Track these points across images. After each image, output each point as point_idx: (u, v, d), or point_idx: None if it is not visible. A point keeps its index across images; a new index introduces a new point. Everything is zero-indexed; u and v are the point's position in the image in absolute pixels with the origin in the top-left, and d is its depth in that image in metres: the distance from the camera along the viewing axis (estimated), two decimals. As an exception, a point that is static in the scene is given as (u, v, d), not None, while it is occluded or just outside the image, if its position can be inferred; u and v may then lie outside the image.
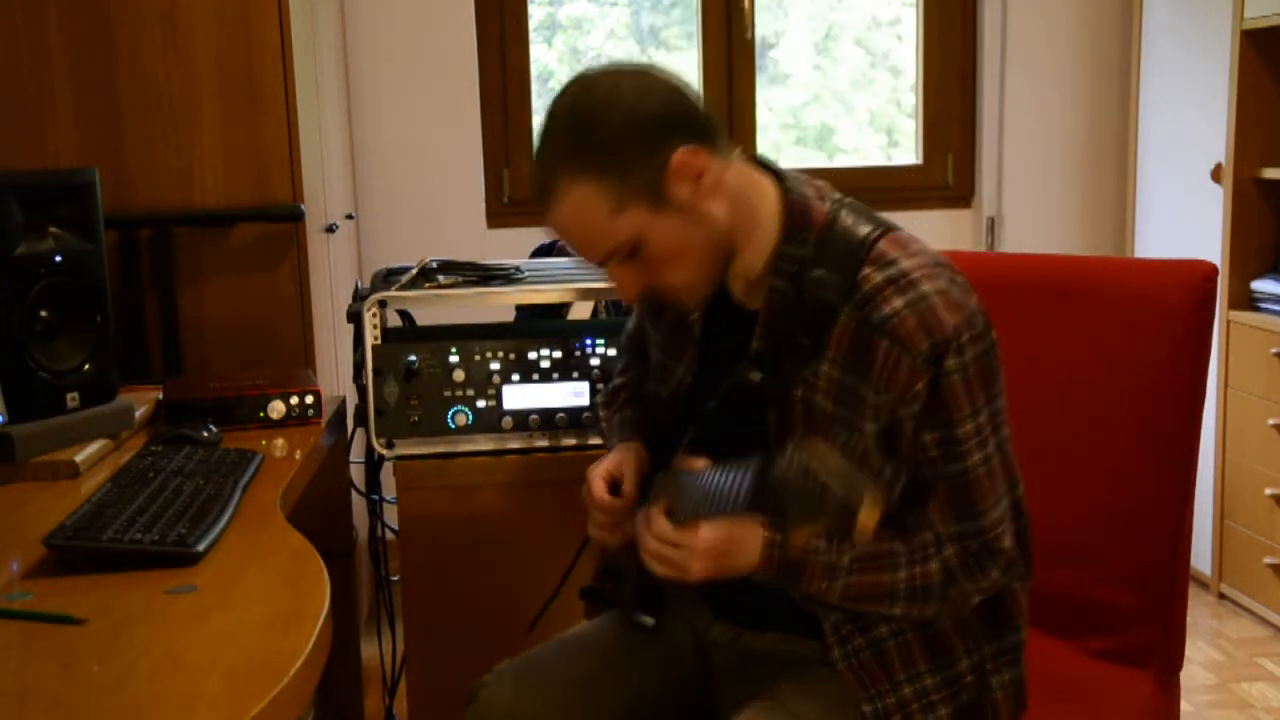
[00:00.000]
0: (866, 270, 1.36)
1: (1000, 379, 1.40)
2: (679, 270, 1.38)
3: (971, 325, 1.35)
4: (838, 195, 1.45)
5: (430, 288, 2.10)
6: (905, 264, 1.36)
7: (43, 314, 1.84)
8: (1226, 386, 3.28)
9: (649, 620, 1.47)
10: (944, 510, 1.39)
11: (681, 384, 1.56)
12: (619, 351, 1.83)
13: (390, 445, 2.03)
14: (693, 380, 1.55)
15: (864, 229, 1.40)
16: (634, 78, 1.35)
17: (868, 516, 1.22)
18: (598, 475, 1.54)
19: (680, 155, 1.33)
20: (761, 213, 1.41)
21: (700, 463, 1.42)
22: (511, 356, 2.04)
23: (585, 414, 2.06)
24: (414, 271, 2.19)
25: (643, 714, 1.56)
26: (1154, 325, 1.70)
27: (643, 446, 1.60)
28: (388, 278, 2.22)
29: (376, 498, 2.30)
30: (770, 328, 1.41)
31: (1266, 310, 3.18)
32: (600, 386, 2.05)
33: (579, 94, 1.36)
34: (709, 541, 1.36)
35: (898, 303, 1.34)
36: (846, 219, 1.41)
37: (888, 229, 1.41)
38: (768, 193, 1.42)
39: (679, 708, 1.59)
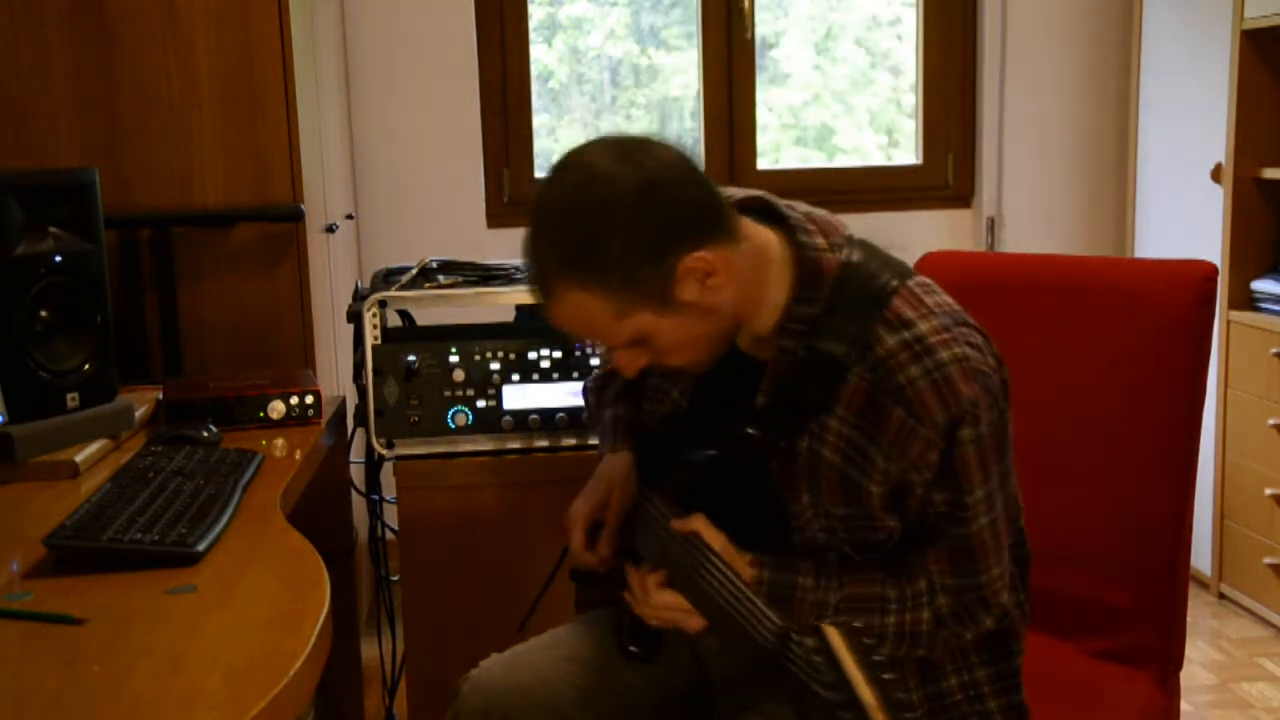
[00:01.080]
0: (880, 332, 1.31)
1: (1010, 430, 1.38)
2: (685, 355, 1.36)
3: (988, 391, 1.31)
4: (846, 235, 1.39)
5: (430, 288, 2.10)
6: (921, 327, 1.30)
7: (43, 314, 1.84)
8: (1226, 386, 3.28)
9: (641, 652, 1.46)
10: (943, 564, 1.36)
11: (678, 406, 1.53)
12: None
13: (390, 445, 2.03)
14: (688, 405, 1.52)
15: (879, 279, 1.34)
16: (633, 168, 1.26)
17: None
18: (578, 525, 1.52)
19: (687, 263, 1.27)
20: (770, 279, 1.35)
21: (704, 525, 1.38)
22: (511, 356, 2.04)
23: (585, 414, 2.06)
24: (414, 271, 2.19)
25: (636, 716, 1.55)
26: (1154, 325, 1.70)
27: (631, 460, 1.57)
28: (388, 278, 2.22)
29: (376, 498, 2.30)
30: (777, 385, 1.36)
31: (1266, 310, 3.18)
32: (600, 386, 2.05)
33: (576, 191, 1.27)
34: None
35: (913, 371, 1.28)
36: (859, 268, 1.35)
37: (903, 279, 1.35)
38: (775, 254, 1.36)
39: (674, 715, 1.58)
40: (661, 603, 1.40)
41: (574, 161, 1.30)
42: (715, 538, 1.37)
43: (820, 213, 1.41)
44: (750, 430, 1.36)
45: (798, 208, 1.40)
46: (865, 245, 1.38)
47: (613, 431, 1.63)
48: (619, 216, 1.25)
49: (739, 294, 1.33)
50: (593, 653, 1.56)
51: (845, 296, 1.33)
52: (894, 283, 1.34)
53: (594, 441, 2.05)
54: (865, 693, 1.15)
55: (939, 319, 1.32)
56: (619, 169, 1.26)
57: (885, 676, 1.15)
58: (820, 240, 1.36)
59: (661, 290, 1.28)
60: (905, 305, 1.32)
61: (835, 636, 1.19)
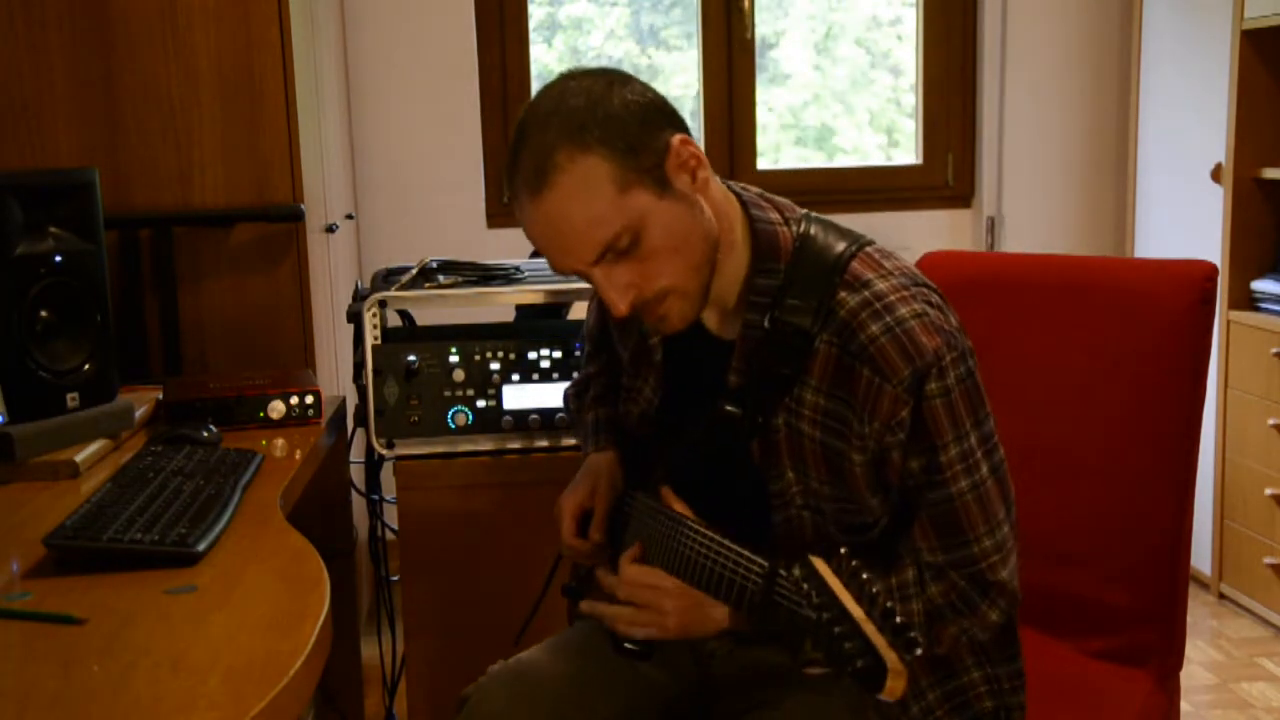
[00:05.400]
0: (841, 294, 1.32)
1: (986, 401, 1.36)
2: (677, 267, 1.30)
3: (952, 346, 1.30)
4: (801, 213, 1.41)
5: (430, 288, 2.10)
6: (880, 286, 1.32)
7: (43, 314, 1.84)
8: (1226, 386, 3.28)
9: (637, 648, 1.44)
10: (929, 539, 1.34)
11: (650, 404, 1.53)
12: (582, 341, 1.78)
13: (390, 445, 2.03)
14: (660, 402, 1.52)
15: (836, 248, 1.35)
16: (619, 76, 1.32)
17: (894, 685, 1.11)
18: (568, 513, 1.55)
19: (679, 141, 1.30)
20: (735, 235, 1.37)
21: (679, 506, 1.40)
22: (511, 356, 2.04)
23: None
24: (414, 271, 2.19)
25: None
26: (1154, 325, 1.70)
27: (616, 457, 1.59)
28: (388, 278, 2.22)
29: (376, 498, 2.30)
30: (747, 361, 1.37)
31: (1266, 310, 3.18)
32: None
33: (567, 86, 1.30)
34: (681, 585, 1.36)
35: (874, 328, 1.29)
36: (816, 239, 1.36)
37: (860, 245, 1.37)
38: (739, 218, 1.38)
39: (682, 715, 1.57)
40: (631, 577, 1.39)
41: (557, 77, 1.33)
42: (686, 509, 1.39)
43: (773, 196, 1.43)
44: (729, 408, 1.36)
45: (750, 189, 1.43)
46: (821, 220, 1.40)
47: (594, 432, 1.64)
48: (616, 93, 1.28)
49: (716, 218, 1.34)
50: (595, 658, 1.55)
51: (804, 266, 1.34)
52: (851, 249, 1.36)
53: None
54: (853, 608, 1.14)
55: (897, 279, 1.34)
56: (603, 74, 1.31)
57: (875, 591, 1.13)
58: (774, 215, 1.39)
59: (658, 167, 1.28)
60: (863, 267, 1.34)
61: (820, 563, 1.19)
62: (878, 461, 1.33)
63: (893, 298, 1.31)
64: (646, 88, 1.32)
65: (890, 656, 1.09)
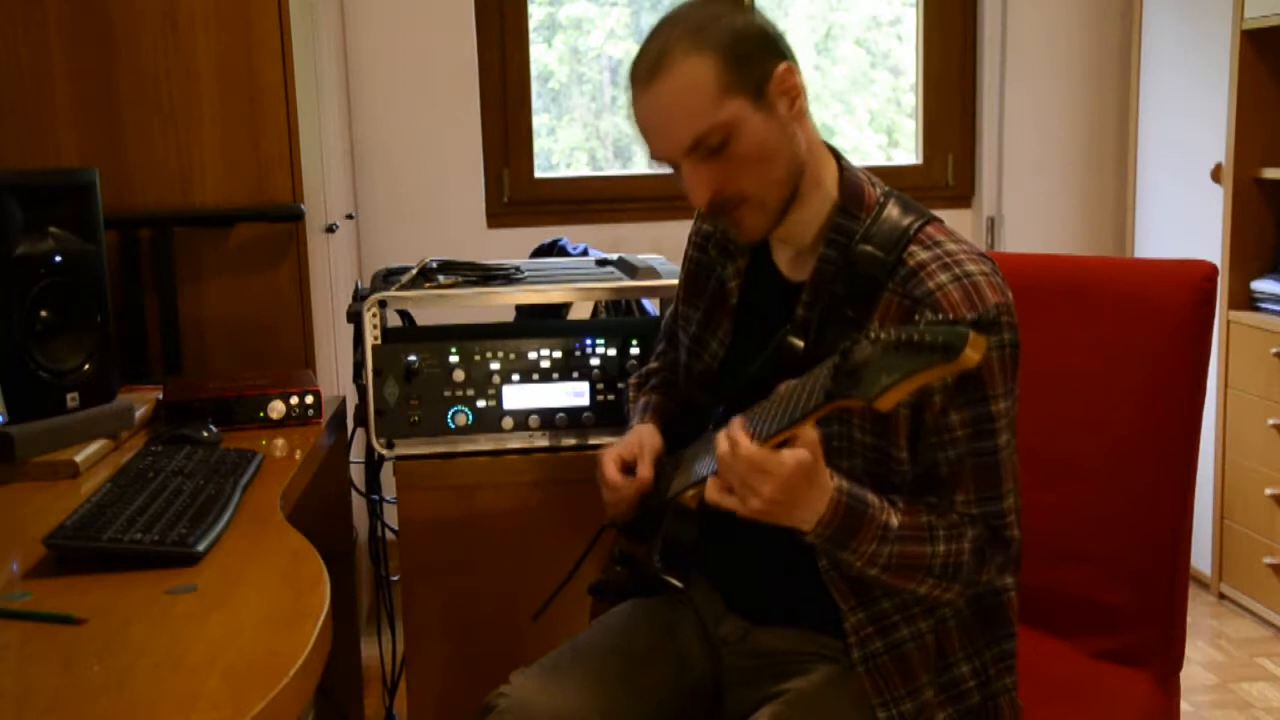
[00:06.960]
0: (912, 248, 1.40)
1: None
2: (758, 177, 1.40)
3: (1010, 312, 1.39)
4: (888, 187, 1.50)
5: (430, 288, 2.10)
6: (950, 246, 1.40)
7: (43, 314, 1.84)
8: (1226, 386, 3.28)
9: (677, 582, 1.46)
10: (968, 492, 1.39)
11: (715, 358, 1.57)
12: (659, 338, 1.85)
13: (390, 445, 2.03)
14: (726, 354, 1.56)
15: (911, 214, 1.45)
16: (749, 5, 1.46)
17: (975, 349, 1.09)
18: (609, 458, 1.57)
19: (785, 68, 1.40)
20: (822, 177, 1.46)
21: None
22: (511, 356, 2.04)
23: (585, 414, 2.06)
24: (414, 271, 2.19)
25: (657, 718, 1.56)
26: (1154, 325, 1.70)
27: (659, 431, 1.61)
28: (388, 278, 2.22)
29: (376, 498, 2.30)
30: (816, 295, 1.44)
31: (1266, 310, 3.18)
32: (600, 386, 2.06)
33: (701, 3, 1.43)
34: (790, 469, 1.26)
35: (943, 277, 1.37)
36: (894, 207, 1.45)
37: (932, 218, 1.46)
38: (830, 165, 1.48)
39: (690, 713, 1.59)
40: (745, 450, 1.28)
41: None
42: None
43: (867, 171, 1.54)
44: (793, 339, 1.40)
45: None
46: (902, 196, 1.49)
47: (642, 411, 1.69)
48: (740, 16, 1.42)
49: (807, 150, 1.44)
50: (618, 659, 1.57)
51: (881, 222, 1.44)
52: (925, 218, 1.45)
53: (596, 441, 2.06)
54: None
55: (968, 244, 1.43)
56: (725, 3, 1.44)
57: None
58: (863, 176, 1.50)
59: (761, 84, 1.39)
60: (936, 231, 1.44)
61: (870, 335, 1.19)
62: (917, 407, 1.38)
63: (961, 255, 1.40)
64: (770, 23, 1.44)
65: (971, 330, 1.11)
